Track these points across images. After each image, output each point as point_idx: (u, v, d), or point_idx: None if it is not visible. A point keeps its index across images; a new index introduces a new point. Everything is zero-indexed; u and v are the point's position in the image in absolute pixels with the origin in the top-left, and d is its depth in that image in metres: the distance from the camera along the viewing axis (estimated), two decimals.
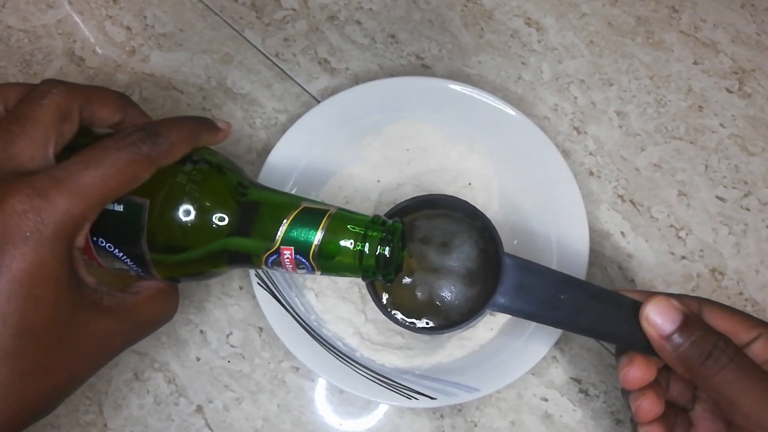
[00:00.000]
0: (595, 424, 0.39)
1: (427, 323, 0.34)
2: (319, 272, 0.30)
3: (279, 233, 0.29)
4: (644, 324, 0.29)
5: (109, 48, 0.46)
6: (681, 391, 0.33)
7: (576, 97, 0.45)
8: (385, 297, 0.35)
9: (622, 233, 0.42)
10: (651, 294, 0.31)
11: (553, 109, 0.45)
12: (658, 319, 0.29)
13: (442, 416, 0.39)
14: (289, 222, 0.29)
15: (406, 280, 0.34)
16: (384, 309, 0.35)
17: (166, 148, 0.28)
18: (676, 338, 0.28)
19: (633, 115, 0.45)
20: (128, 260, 0.30)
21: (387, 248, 0.30)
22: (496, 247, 0.33)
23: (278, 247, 0.29)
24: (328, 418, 0.40)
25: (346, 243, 0.29)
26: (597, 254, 0.42)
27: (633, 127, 0.45)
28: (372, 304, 0.40)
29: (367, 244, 0.29)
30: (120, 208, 0.29)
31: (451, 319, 0.34)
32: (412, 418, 0.39)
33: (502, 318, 0.39)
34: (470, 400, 0.37)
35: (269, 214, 0.30)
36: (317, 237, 0.29)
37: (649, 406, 0.31)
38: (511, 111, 0.41)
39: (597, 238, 0.42)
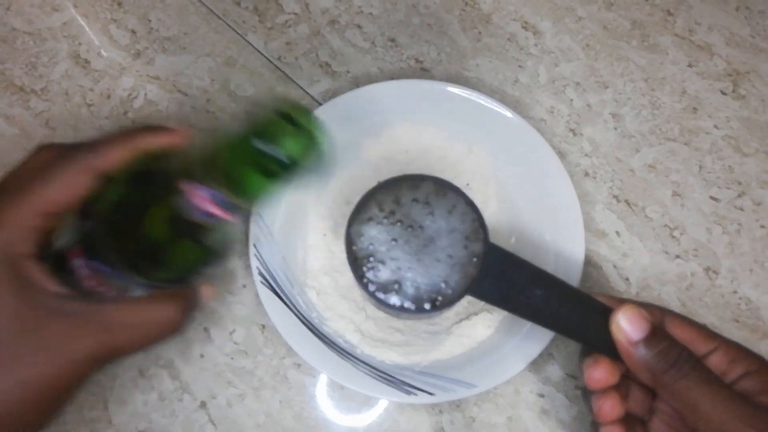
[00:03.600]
0: (591, 420, 0.40)
1: (405, 304, 0.32)
2: (238, 200, 0.29)
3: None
4: (614, 329, 0.31)
5: (114, 51, 0.47)
6: (639, 403, 0.34)
7: (572, 100, 0.46)
8: (366, 274, 0.33)
9: (617, 233, 0.43)
10: (621, 301, 0.32)
11: (550, 111, 0.45)
12: (628, 326, 0.30)
13: (440, 411, 0.40)
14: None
15: (388, 260, 0.33)
16: (363, 286, 0.33)
17: (102, 151, 0.29)
18: (643, 346, 0.30)
19: (628, 117, 0.45)
20: (114, 274, 0.30)
21: (294, 137, 0.27)
22: (484, 235, 0.33)
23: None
24: (329, 414, 0.40)
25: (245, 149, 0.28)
26: (593, 253, 0.42)
27: (628, 129, 0.45)
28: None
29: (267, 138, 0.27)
30: (89, 223, 0.29)
31: (430, 302, 0.33)
32: (412, 413, 0.40)
33: (500, 315, 0.40)
34: (468, 395, 0.37)
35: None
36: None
37: (611, 406, 0.32)
38: (508, 113, 0.41)
39: (592, 237, 0.43)
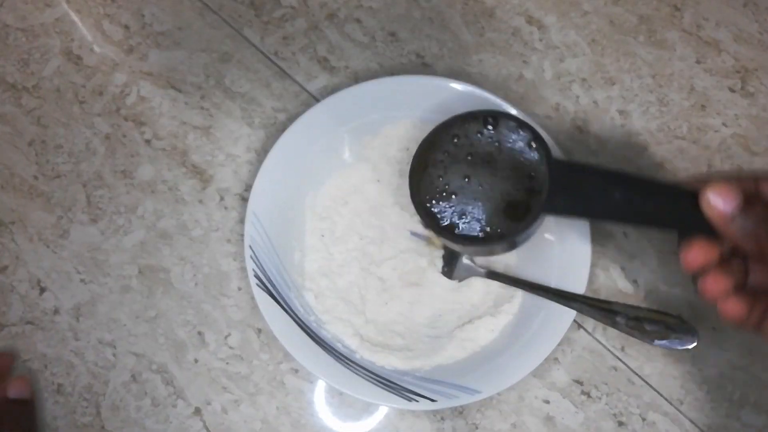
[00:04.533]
0: (597, 427, 0.39)
1: (475, 233, 0.33)
2: None
3: None
4: (705, 208, 0.30)
5: (107, 46, 0.46)
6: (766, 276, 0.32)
7: (578, 96, 0.45)
8: (437, 209, 0.33)
9: (624, 234, 0.42)
10: (706, 179, 0.31)
11: (555, 108, 0.45)
12: (719, 201, 0.29)
13: (442, 418, 0.39)
14: None
15: (457, 192, 0.33)
16: (435, 224, 0.33)
17: None
18: (739, 217, 0.29)
19: (635, 114, 0.45)
20: None
21: None
22: (546, 153, 0.32)
23: None
24: (327, 421, 0.39)
25: None
26: (600, 255, 0.42)
27: (635, 127, 0.44)
28: (371, 305, 0.40)
29: None
30: None
31: (500, 231, 0.32)
32: (413, 420, 0.39)
33: (504, 319, 0.39)
34: (471, 402, 0.37)
35: None
36: None
37: (713, 282, 0.31)
38: (512, 110, 0.41)
39: (599, 238, 0.42)
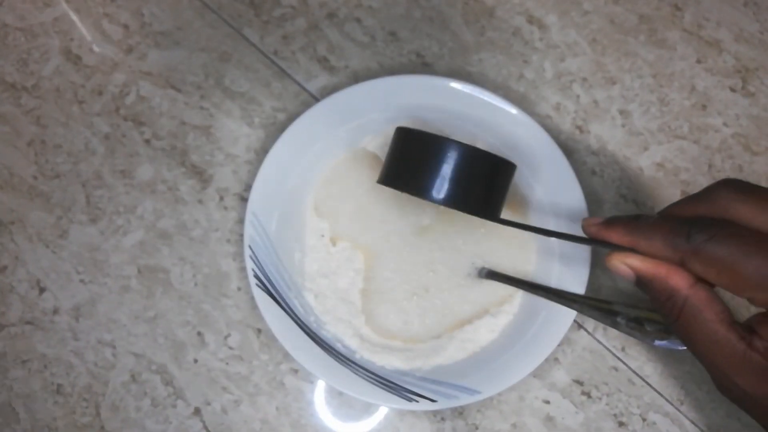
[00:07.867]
0: (598, 427, 0.39)
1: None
2: None
3: None
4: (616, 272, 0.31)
5: (106, 46, 0.46)
6: None
7: (578, 96, 0.45)
8: None
9: None
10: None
11: (555, 107, 0.45)
12: (622, 273, 0.31)
13: (442, 419, 0.39)
14: None
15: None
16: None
17: None
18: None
19: (636, 114, 0.44)
20: None
21: None
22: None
23: None
24: (327, 421, 0.39)
25: None
26: (600, 254, 0.41)
27: (636, 126, 0.44)
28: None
29: None
30: None
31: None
32: (413, 420, 0.39)
33: (504, 319, 0.39)
34: (471, 402, 0.37)
35: None
36: None
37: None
38: (512, 110, 0.40)
39: None
